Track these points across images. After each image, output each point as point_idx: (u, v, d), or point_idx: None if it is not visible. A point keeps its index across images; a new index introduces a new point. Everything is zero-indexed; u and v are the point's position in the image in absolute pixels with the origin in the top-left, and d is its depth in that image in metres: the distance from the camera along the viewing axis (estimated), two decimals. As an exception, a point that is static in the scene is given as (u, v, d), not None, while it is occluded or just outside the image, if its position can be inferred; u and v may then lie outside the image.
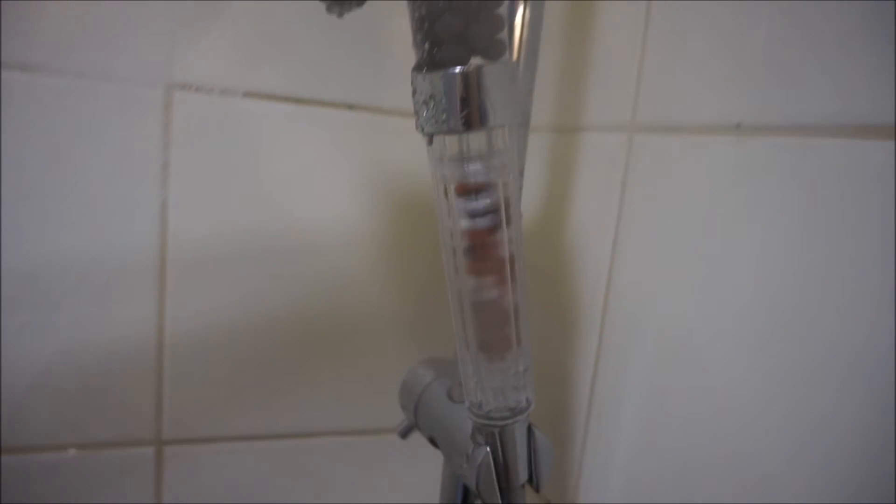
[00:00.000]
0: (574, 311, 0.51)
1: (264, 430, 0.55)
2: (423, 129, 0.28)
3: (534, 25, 0.41)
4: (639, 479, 0.44)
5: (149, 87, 0.46)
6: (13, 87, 0.44)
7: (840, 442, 0.30)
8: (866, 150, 0.29)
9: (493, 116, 0.27)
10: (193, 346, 0.51)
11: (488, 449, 0.35)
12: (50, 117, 0.45)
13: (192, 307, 0.50)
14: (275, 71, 0.49)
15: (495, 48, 0.26)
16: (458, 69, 0.26)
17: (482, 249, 0.30)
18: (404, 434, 0.48)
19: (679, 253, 0.40)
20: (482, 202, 0.29)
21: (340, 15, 0.28)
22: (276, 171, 0.51)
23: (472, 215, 0.29)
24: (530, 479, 0.37)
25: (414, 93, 0.27)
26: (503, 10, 0.26)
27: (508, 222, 0.30)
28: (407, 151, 0.53)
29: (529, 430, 0.36)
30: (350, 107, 0.51)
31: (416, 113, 0.28)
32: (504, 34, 0.26)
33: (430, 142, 0.28)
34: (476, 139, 0.28)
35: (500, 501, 0.35)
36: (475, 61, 0.26)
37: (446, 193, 0.29)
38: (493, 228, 0.29)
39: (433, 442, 0.43)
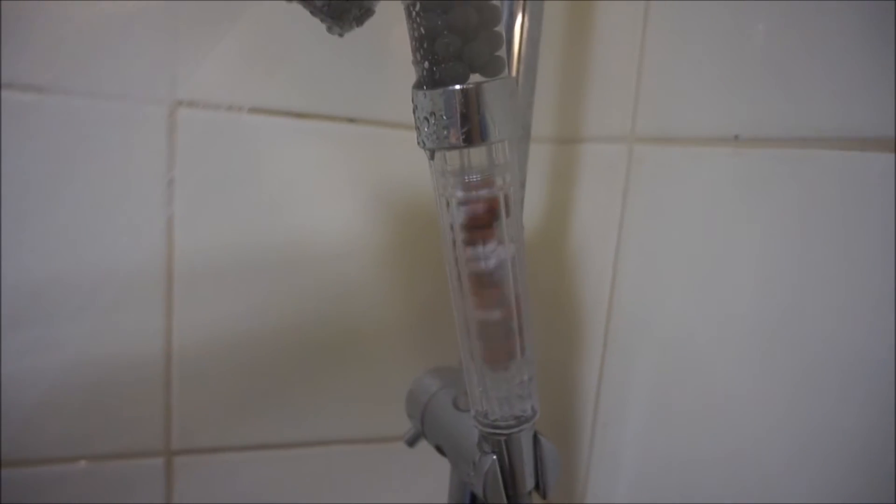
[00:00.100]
0: (579, 318, 0.51)
1: (272, 439, 0.55)
2: (424, 145, 0.28)
3: (532, 41, 0.41)
4: (645, 483, 0.44)
5: (154, 105, 0.47)
6: (23, 107, 0.44)
7: (840, 442, 0.30)
8: (865, 161, 0.29)
9: (494, 131, 0.27)
10: (201, 357, 0.51)
11: (495, 457, 0.35)
12: (58, 136, 0.45)
13: (199, 319, 0.51)
14: (278, 87, 0.50)
15: (494, 65, 0.26)
16: (458, 87, 0.26)
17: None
18: (411, 442, 0.48)
19: (681, 260, 0.41)
20: (485, 217, 0.29)
21: (341, 34, 0.28)
22: (280, 185, 0.51)
23: (475, 227, 0.30)
24: (537, 486, 0.37)
25: (415, 109, 0.28)
26: (501, 27, 0.26)
27: (511, 235, 0.30)
28: (409, 163, 0.53)
29: (535, 437, 0.36)
30: (352, 120, 0.52)
31: (418, 129, 0.28)
32: (502, 51, 0.27)
33: (432, 157, 0.29)
34: (477, 154, 0.28)
35: (507, 509, 0.36)
36: (475, 78, 0.26)
37: (448, 207, 0.30)
38: (496, 242, 0.30)
39: (440, 450, 0.43)
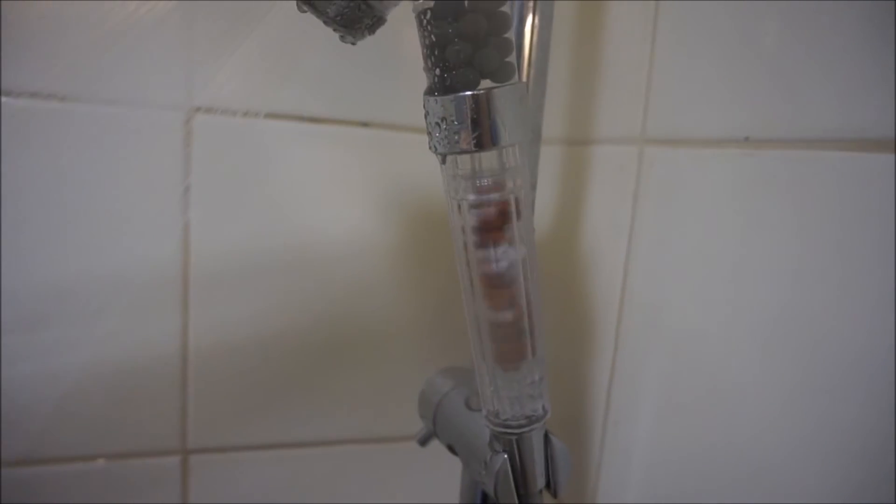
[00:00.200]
0: (590, 319, 0.51)
1: (286, 438, 0.56)
2: (436, 149, 0.28)
3: (542, 45, 0.41)
4: (656, 482, 0.44)
5: (172, 111, 0.48)
6: (47, 116, 0.45)
7: (847, 437, 0.30)
8: (868, 162, 0.29)
9: (505, 136, 0.27)
10: (217, 358, 0.52)
11: (506, 456, 0.35)
12: (78, 144, 0.46)
13: (214, 321, 0.51)
14: (292, 92, 0.50)
15: (504, 71, 0.27)
16: (468, 93, 0.26)
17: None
18: (423, 442, 0.48)
19: (692, 261, 0.41)
20: (496, 220, 0.29)
21: (354, 43, 0.28)
22: (294, 189, 0.52)
23: (486, 230, 0.30)
24: (548, 485, 0.37)
25: (426, 115, 0.28)
26: (511, 33, 0.27)
27: (522, 237, 0.30)
28: (420, 165, 0.53)
29: (546, 436, 0.36)
30: (365, 124, 0.52)
31: (429, 133, 0.28)
32: (512, 57, 0.27)
33: (444, 161, 0.29)
34: (488, 158, 0.28)
35: (518, 507, 0.36)
36: (485, 84, 0.27)
37: (460, 210, 0.30)
38: (507, 244, 0.30)
39: (452, 449, 0.44)
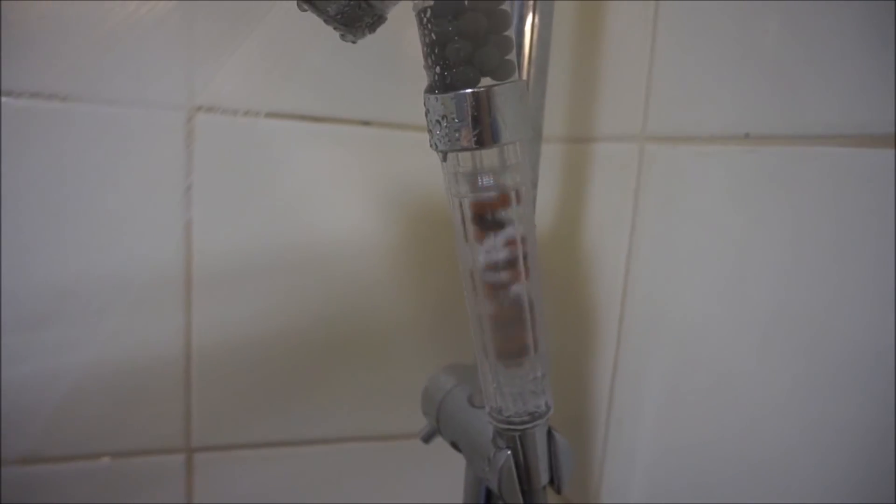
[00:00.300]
0: (592, 316, 0.52)
1: (290, 436, 0.56)
2: (436, 147, 0.29)
3: (543, 43, 0.41)
4: (660, 478, 0.44)
5: (173, 111, 0.48)
6: (49, 115, 0.45)
7: (854, 434, 0.30)
8: (869, 158, 0.29)
9: (505, 133, 0.27)
10: (220, 356, 0.52)
11: (509, 453, 0.35)
12: (80, 144, 0.46)
13: (217, 320, 0.52)
14: (293, 91, 0.50)
15: (504, 68, 0.27)
16: (469, 90, 0.26)
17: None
18: (427, 439, 0.48)
19: (693, 257, 0.41)
20: (497, 216, 0.29)
21: (355, 41, 0.29)
22: (296, 188, 0.52)
23: (487, 227, 0.30)
24: (551, 482, 0.37)
25: (427, 113, 0.28)
26: (511, 31, 0.27)
27: (523, 234, 0.30)
28: (422, 163, 0.53)
29: (550, 433, 0.36)
30: (366, 123, 0.53)
31: (430, 131, 0.28)
32: (512, 55, 0.27)
33: (444, 159, 0.29)
34: (489, 155, 0.28)
35: (522, 503, 0.36)
36: (485, 81, 0.27)
37: (461, 206, 0.30)
38: (509, 241, 0.30)
39: (455, 446, 0.44)
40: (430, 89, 0.27)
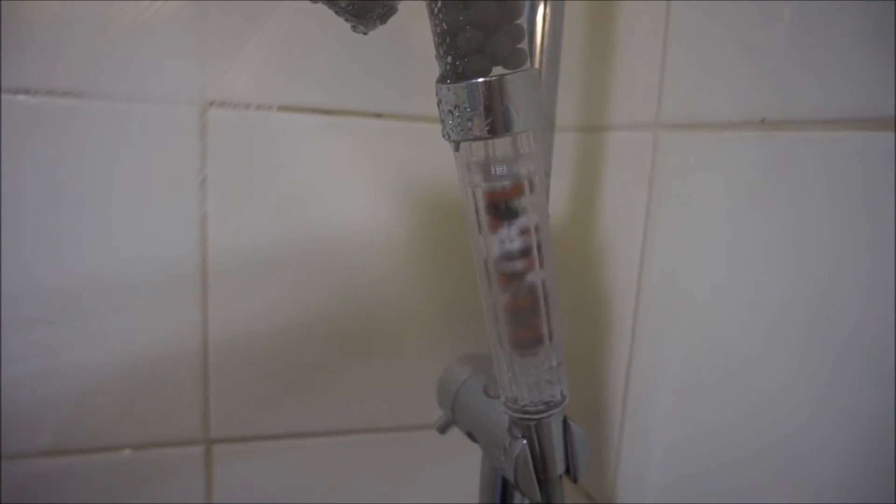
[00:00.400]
0: (606, 305, 0.51)
1: (307, 427, 0.56)
2: (449, 137, 0.28)
3: (555, 31, 0.41)
4: (676, 468, 0.44)
5: (186, 106, 0.48)
6: (64, 112, 0.46)
7: (873, 428, 0.30)
8: (889, 142, 0.28)
9: (518, 122, 0.27)
10: (236, 348, 0.53)
11: (525, 442, 0.35)
12: (96, 140, 0.47)
13: (233, 312, 0.52)
14: (305, 85, 0.50)
15: (516, 57, 0.27)
16: (481, 79, 0.26)
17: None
18: (443, 429, 0.49)
19: (709, 246, 0.40)
20: (510, 205, 0.29)
21: (366, 33, 0.29)
22: (309, 180, 0.52)
23: (501, 216, 0.30)
24: (568, 471, 0.37)
25: (439, 103, 0.28)
26: (522, 20, 0.27)
27: (537, 223, 0.30)
28: (434, 154, 0.53)
29: (565, 422, 0.36)
30: (379, 115, 0.53)
31: (442, 122, 0.28)
32: (524, 44, 0.27)
33: (457, 148, 0.29)
34: (501, 144, 0.28)
35: (538, 493, 0.36)
36: (497, 71, 0.27)
37: (474, 196, 0.30)
38: (522, 230, 0.30)
39: (471, 437, 0.44)
40: (442, 79, 0.27)
